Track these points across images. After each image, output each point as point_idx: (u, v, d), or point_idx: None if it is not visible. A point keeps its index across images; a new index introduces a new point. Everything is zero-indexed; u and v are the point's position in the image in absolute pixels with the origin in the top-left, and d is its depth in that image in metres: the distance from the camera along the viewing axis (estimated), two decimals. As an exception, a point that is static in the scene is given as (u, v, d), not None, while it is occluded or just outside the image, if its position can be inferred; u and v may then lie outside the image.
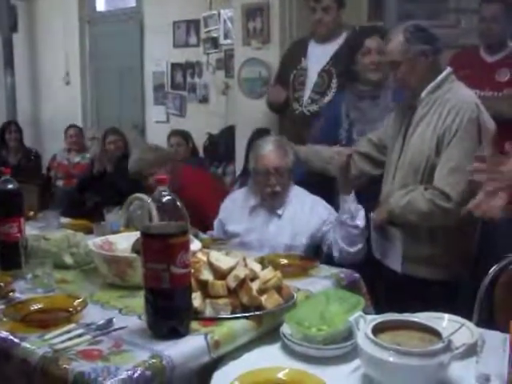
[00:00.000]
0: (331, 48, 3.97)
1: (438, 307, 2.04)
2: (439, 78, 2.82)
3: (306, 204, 3.07)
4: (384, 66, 3.23)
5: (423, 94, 2.83)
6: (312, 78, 3.98)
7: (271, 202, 3.08)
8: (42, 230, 2.92)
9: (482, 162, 1.91)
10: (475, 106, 2.73)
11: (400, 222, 2.83)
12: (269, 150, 3.06)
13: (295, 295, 2.08)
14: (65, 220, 3.39)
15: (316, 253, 3.06)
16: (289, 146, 3.15)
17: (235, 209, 3.20)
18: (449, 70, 2.86)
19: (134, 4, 7.33)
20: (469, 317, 2.18)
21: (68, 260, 2.53)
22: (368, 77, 3.44)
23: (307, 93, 3.99)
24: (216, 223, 3.28)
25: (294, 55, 4.19)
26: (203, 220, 3.29)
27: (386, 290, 2.97)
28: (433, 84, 2.82)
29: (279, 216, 3.06)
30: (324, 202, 3.11)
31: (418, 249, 2.82)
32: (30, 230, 2.75)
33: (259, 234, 3.07)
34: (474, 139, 2.67)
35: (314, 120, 3.84)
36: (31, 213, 3.42)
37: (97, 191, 5.73)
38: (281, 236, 3.01)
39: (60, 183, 6.52)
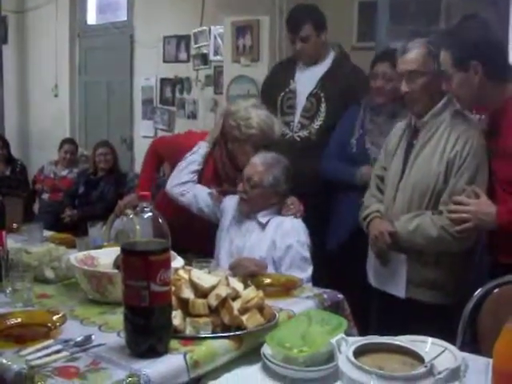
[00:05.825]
0: (319, 70, 3.88)
1: (439, 331, 2.00)
2: (443, 101, 2.79)
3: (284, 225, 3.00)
4: (389, 90, 3.31)
5: (427, 117, 2.79)
6: (301, 101, 3.88)
7: (240, 206, 3.11)
8: (25, 244, 2.87)
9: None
10: (483, 133, 2.72)
11: (406, 246, 2.79)
12: (254, 160, 3.09)
13: (277, 315, 2.06)
14: (48, 233, 3.36)
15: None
16: (281, 167, 3.07)
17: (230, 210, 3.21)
18: (450, 94, 2.79)
19: (125, 18, 7.32)
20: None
21: (49, 274, 2.50)
22: (374, 100, 3.46)
23: (297, 117, 3.87)
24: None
25: (280, 77, 4.07)
26: None
27: (384, 316, 2.94)
28: (438, 106, 2.78)
29: (263, 227, 3.02)
30: (300, 231, 3.00)
31: (423, 273, 2.79)
32: (13, 243, 2.73)
33: (238, 241, 3.06)
34: (483, 165, 2.67)
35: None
36: (14, 225, 3.39)
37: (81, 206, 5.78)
38: (258, 248, 2.95)
39: (45, 196, 6.44)
